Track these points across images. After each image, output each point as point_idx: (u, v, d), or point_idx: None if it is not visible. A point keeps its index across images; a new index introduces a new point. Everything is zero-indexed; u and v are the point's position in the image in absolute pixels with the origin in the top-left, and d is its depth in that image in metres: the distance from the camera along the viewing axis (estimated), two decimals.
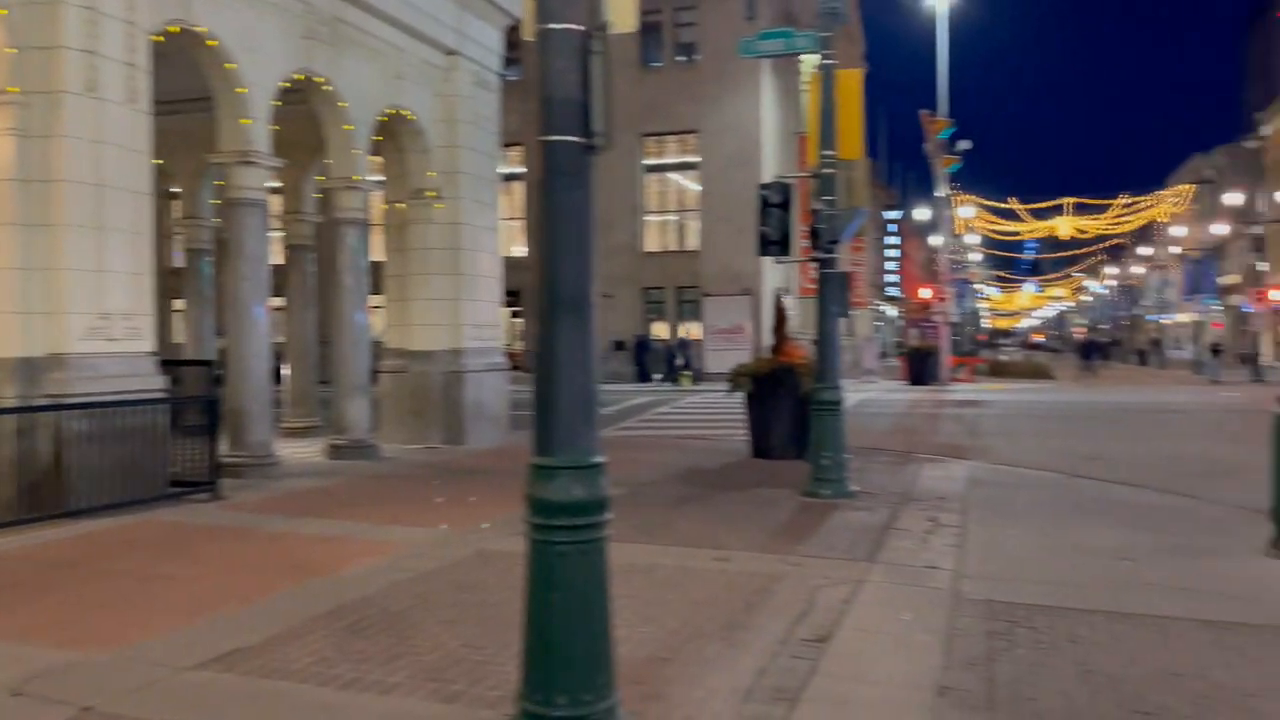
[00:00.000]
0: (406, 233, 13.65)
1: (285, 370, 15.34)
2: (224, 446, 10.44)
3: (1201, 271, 42.91)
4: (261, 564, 6.93)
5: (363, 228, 12.62)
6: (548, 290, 3.63)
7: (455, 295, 13.61)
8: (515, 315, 38.21)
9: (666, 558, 6.99)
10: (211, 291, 15.54)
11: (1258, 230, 35.90)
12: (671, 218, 36.35)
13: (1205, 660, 4.83)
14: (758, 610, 5.66)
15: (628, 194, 35.86)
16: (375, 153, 13.39)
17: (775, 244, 9.75)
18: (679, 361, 32.08)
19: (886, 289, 61.01)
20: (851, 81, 10.03)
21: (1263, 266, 37.50)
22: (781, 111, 37.42)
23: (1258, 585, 6.33)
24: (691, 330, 35.58)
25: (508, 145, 37.96)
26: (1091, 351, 40.68)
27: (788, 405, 12.24)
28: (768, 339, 31.89)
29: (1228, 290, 55.43)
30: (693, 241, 35.48)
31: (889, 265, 60.85)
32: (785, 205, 9.79)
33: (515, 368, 37.75)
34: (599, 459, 3.65)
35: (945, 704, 4.27)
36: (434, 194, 13.48)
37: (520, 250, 37.84)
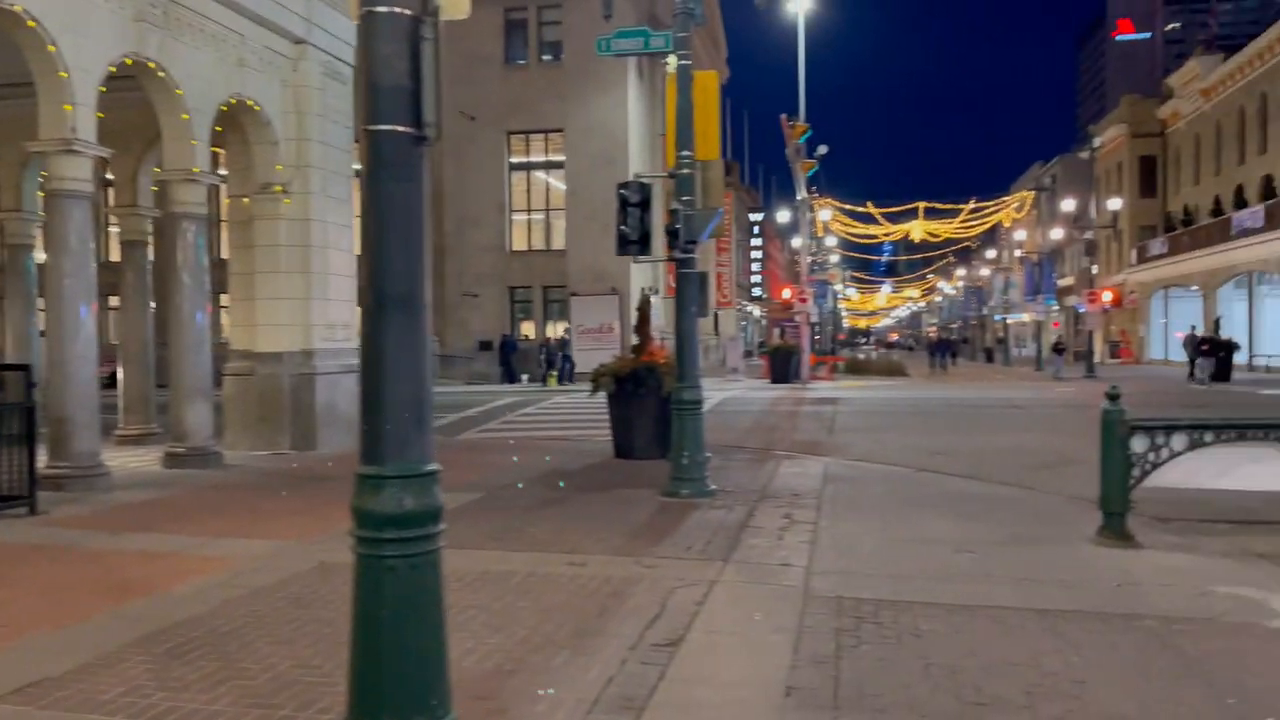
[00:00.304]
0: (253, 229, 12.98)
1: (120, 374, 14.38)
2: (45, 457, 9.68)
3: (1041, 274, 45.50)
4: (78, 584, 6.40)
5: (202, 223, 11.93)
6: (374, 287, 3.42)
7: (306, 294, 13.03)
8: None
9: (520, 564, 6.81)
10: (36, 290, 14.41)
11: (1089, 235, 38.26)
12: (538, 216, 36.05)
13: (1039, 648, 4.99)
14: (610, 615, 5.55)
15: (494, 192, 35.40)
16: (219, 145, 12.69)
17: (634, 243, 9.68)
18: (566, 362, 31.67)
19: (752, 289, 62.28)
20: (709, 83, 10.07)
21: (1095, 269, 39.99)
22: (648, 112, 37.65)
23: (1087, 572, 6.62)
24: (559, 330, 35.37)
25: None
26: (942, 350, 42.48)
27: (650, 405, 12.23)
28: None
29: (1065, 291, 58.99)
30: (560, 241, 35.29)
31: (754, 266, 62.04)
32: (644, 205, 9.73)
33: None
34: (432, 467, 3.45)
35: (791, 704, 4.26)
36: (282, 188, 12.87)
37: None
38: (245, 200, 12.97)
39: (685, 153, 9.61)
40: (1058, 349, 37.23)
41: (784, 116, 27.80)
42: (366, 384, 3.43)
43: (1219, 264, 37.99)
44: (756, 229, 57.73)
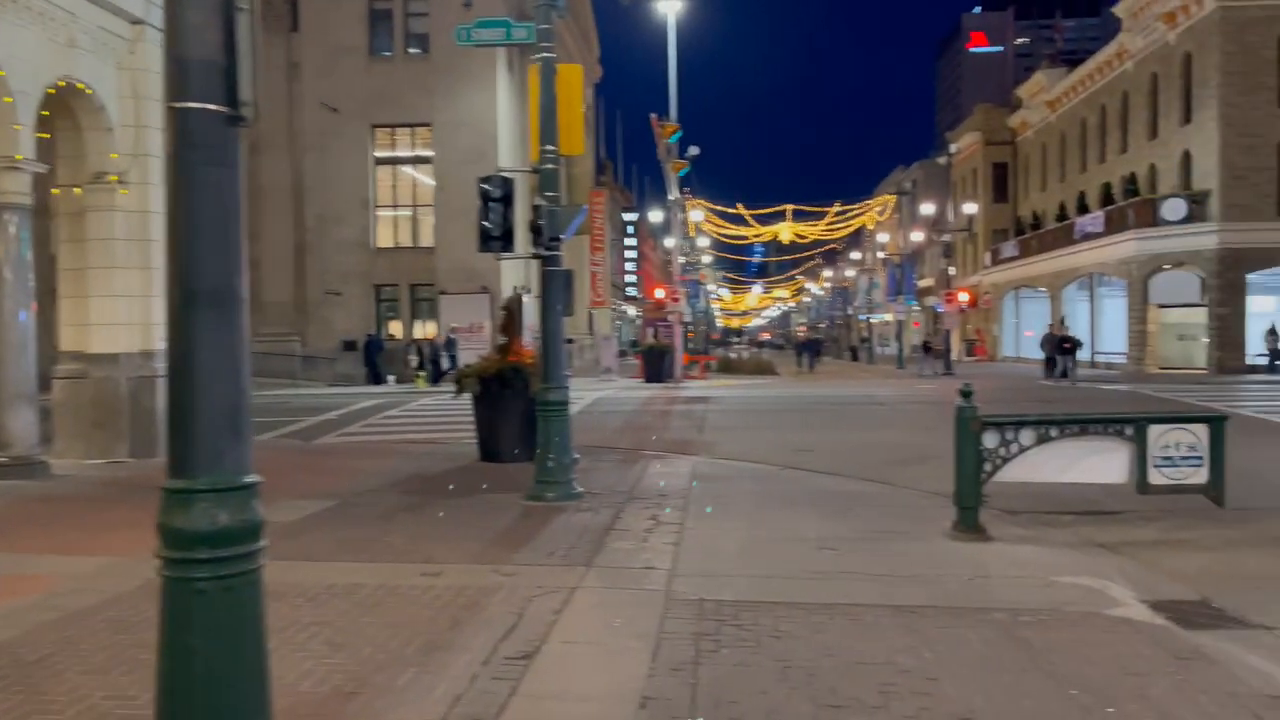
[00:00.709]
0: (85, 221, 12.07)
1: None
2: None
3: (903, 275, 47.17)
4: None
5: (27, 214, 11.00)
6: (183, 282, 3.09)
7: (146, 292, 12.20)
8: None
9: (371, 576, 6.47)
10: None
11: (947, 238, 39.89)
12: (405, 213, 35.13)
13: (894, 646, 5.00)
14: (464, 628, 5.30)
15: (358, 187, 34.30)
16: (47, 130, 11.74)
17: (497, 239, 9.42)
18: (444, 363, 30.62)
19: (626, 289, 62.46)
20: (572, 76, 9.89)
21: (953, 271, 41.71)
22: (519, 108, 37.13)
23: (942, 566, 6.74)
24: (429, 329, 34.57)
25: None
26: (809, 349, 43.43)
27: (517, 406, 11.95)
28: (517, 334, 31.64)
29: (924, 292, 61.41)
30: (428, 238, 34.46)
31: (628, 266, 62.24)
32: (507, 200, 9.48)
33: None
34: (251, 478, 3.15)
35: (647, 716, 4.12)
36: (118, 178, 12.01)
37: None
38: (77, 190, 12.06)
39: (549, 147, 9.40)
40: (926, 348, 38.43)
41: (654, 116, 27.89)
42: (175, 388, 3.10)
43: (1063, 266, 40.20)
44: (630, 229, 57.93)
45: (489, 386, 11.98)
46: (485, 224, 9.44)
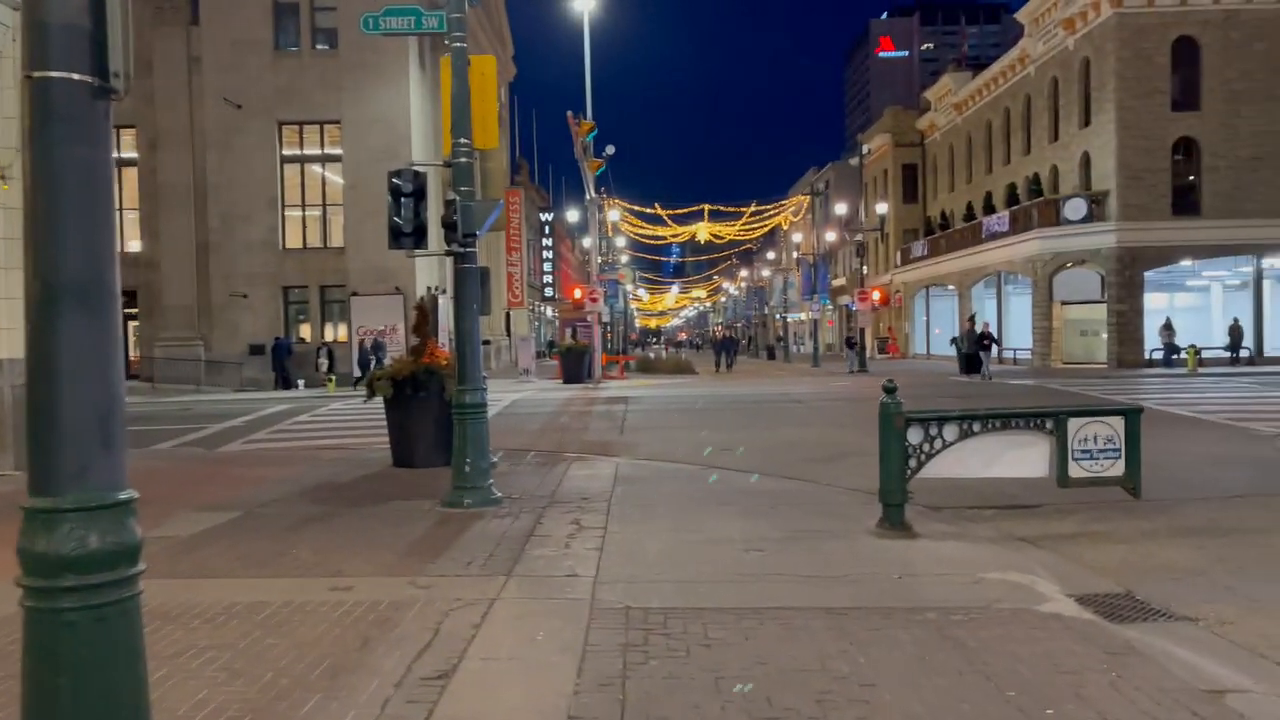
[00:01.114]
0: None
1: None
2: None
3: (817, 274, 47.78)
4: None
5: None
6: (43, 275, 2.73)
7: None
8: (130, 319, 34.04)
9: (276, 592, 6.06)
10: None
11: (860, 238, 40.52)
12: (315, 212, 34.12)
13: (827, 651, 4.85)
14: (375, 647, 4.97)
15: (265, 186, 33.20)
16: None
17: (408, 236, 9.04)
18: (373, 365, 29.61)
19: (544, 289, 61.91)
20: (486, 67, 9.57)
21: (866, 270, 42.39)
22: (432, 105, 36.42)
23: (869, 565, 6.64)
24: (340, 332, 33.65)
25: (119, 127, 33.90)
26: (727, 347, 43.55)
27: (431, 410, 11.56)
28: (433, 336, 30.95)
29: (838, 291, 62.41)
30: (338, 238, 33.54)
31: (546, 266, 61.74)
32: (418, 195, 9.11)
33: (132, 376, 33.68)
34: (125, 494, 2.80)
35: None
36: (1, 174, 11.24)
37: (135, 245, 33.78)
38: None
39: (462, 140, 9.07)
40: (850, 343, 37.95)
41: (570, 114, 27.58)
42: (35, 394, 2.74)
43: (972, 265, 41.21)
44: (547, 229, 57.44)
45: (402, 390, 11.56)
46: (396, 220, 9.06)
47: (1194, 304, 34.73)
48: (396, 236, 9.11)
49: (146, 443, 15.73)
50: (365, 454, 13.34)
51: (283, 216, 33.69)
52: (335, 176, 33.74)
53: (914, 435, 7.73)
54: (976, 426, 7.80)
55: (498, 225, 9.15)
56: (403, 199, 9.06)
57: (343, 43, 32.95)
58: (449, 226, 8.80)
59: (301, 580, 6.41)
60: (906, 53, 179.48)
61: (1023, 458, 7.92)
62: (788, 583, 6.22)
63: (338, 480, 10.97)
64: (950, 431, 7.77)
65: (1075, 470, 7.82)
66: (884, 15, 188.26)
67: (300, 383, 31.46)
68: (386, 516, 8.72)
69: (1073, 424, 7.82)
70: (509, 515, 8.62)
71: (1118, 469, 7.87)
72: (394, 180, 9.11)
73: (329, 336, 33.86)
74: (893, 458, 7.68)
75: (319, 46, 33.55)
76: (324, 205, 33.96)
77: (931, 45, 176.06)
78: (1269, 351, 32.49)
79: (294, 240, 33.93)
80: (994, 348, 30.14)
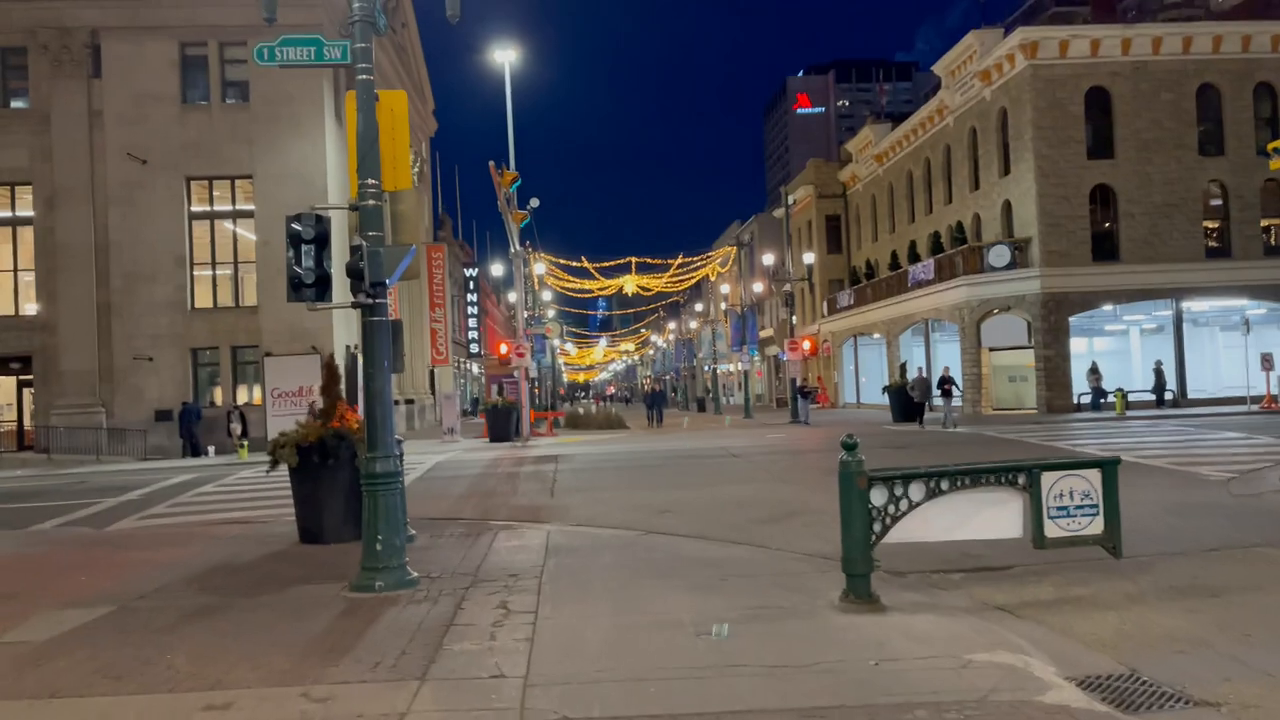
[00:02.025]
0: None
1: None
2: None
3: (746, 325, 47.61)
4: None
5: None
6: None
7: None
8: (25, 386, 31.96)
9: (134, 712, 4.98)
10: None
11: (788, 288, 40.40)
12: (225, 270, 32.62)
13: None
14: None
15: (172, 243, 31.66)
16: None
17: (310, 287, 8.09)
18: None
19: (470, 345, 60.63)
20: (396, 103, 8.73)
21: (795, 319, 42.24)
22: (349, 159, 35.41)
23: (842, 649, 5.82)
24: (255, 394, 32.01)
25: (14, 184, 32.12)
26: (655, 401, 42.40)
27: (341, 479, 10.50)
28: (344, 397, 29.52)
29: (766, 342, 62.45)
30: (251, 296, 32.06)
31: (471, 322, 60.56)
32: (321, 241, 8.18)
33: (26, 448, 31.48)
34: None
35: None
36: None
37: (31, 308, 31.83)
38: None
39: (370, 181, 8.19)
40: (804, 393, 35.57)
41: (492, 163, 26.86)
42: None
43: (899, 313, 41.37)
44: (472, 284, 56.37)
45: (308, 457, 10.48)
46: (296, 270, 8.11)
47: (1114, 348, 35.19)
48: (297, 288, 8.16)
49: (27, 522, 14.24)
50: (272, 528, 12.14)
51: (191, 275, 32.13)
52: (247, 233, 32.37)
53: (877, 496, 6.99)
54: (945, 484, 7.08)
55: (411, 273, 8.25)
56: (303, 246, 8.13)
57: (254, 95, 31.85)
58: (355, 275, 7.88)
59: (170, 698, 5.32)
60: (823, 109, 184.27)
61: (995, 517, 7.22)
62: (751, 676, 5.35)
63: (235, 562, 9.80)
64: (916, 491, 7.05)
65: (1052, 529, 7.15)
66: (800, 73, 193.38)
67: (210, 450, 29.73)
68: (285, 606, 7.63)
69: (1047, 479, 7.16)
70: (426, 599, 7.61)
71: (1096, 526, 7.22)
72: (293, 226, 8.19)
73: (241, 399, 32.20)
74: (855, 522, 6.91)
75: (229, 100, 32.36)
76: (235, 263, 32.50)
77: (847, 102, 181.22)
78: (1192, 394, 32.97)
79: (203, 299, 32.34)
80: (955, 392, 28.66)
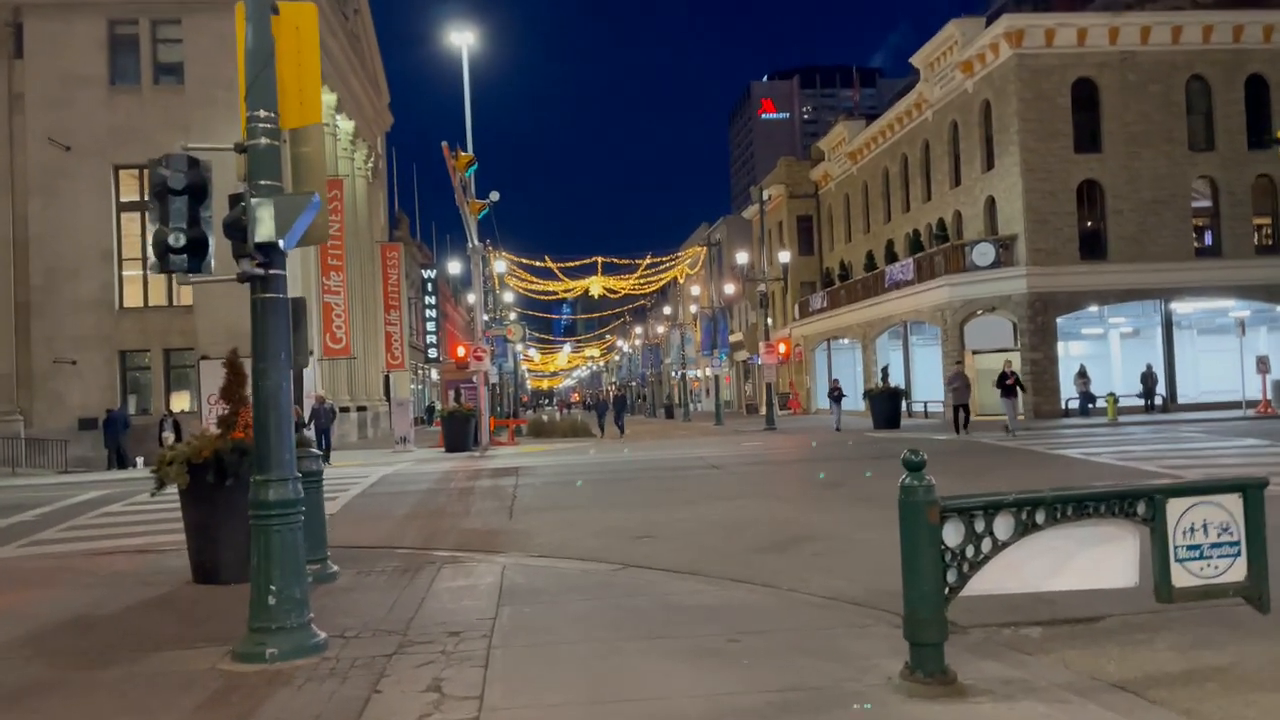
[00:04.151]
0: None
1: None
2: None
3: (716, 329, 45.86)
4: None
5: None
6: None
7: None
8: None
9: None
10: None
11: (762, 289, 38.66)
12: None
13: None
14: None
15: (98, 237, 29.26)
16: None
17: (179, 253, 6.05)
18: (324, 436, 24.94)
19: (428, 350, 58.23)
20: (304, 21, 6.70)
21: (770, 321, 40.52)
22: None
23: None
24: (188, 401, 29.60)
25: None
26: (617, 407, 39.87)
27: (243, 503, 8.21)
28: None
29: (735, 346, 60.72)
30: (186, 295, 29.66)
31: (429, 325, 58.17)
32: (197, 193, 6.16)
33: None
34: None
35: None
36: None
37: None
38: None
39: (262, 113, 6.17)
40: (835, 395, 31.20)
41: (445, 144, 24.73)
42: None
43: (876, 316, 39.77)
44: (430, 286, 54.04)
45: (201, 477, 8.40)
46: (163, 230, 6.06)
47: (1094, 352, 33.77)
48: (163, 255, 6.11)
49: None
50: (166, 561, 10.01)
51: (120, 271, 29.73)
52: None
53: (952, 534, 5.08)
54: (1040, 516, 5.19)
55: (315, 236, 6.24)
56: (172, 198, 6.09)
57: (189, 78, 29.55)
58: (236, 233, 5.85)
59: None
60: (788, 115, 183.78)
61: (1103, 561, 5.34)
62: None
63: (99, 612, 7.69)
64: (1003, 526, 5.14)
65: (1181, 576, 5.27)
66: (765, 78, 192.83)
67: (139, 461, 27.23)
68: (135, 687, 5.56)
69: (1174, 507, 5.29)
70: (333, 675, 5.59)
71: (1238, 571, 5.34)
72: (160, 172, 6.14)
73: (176, 407, 29.76)
74: (924, 570, 5.00)
75: (162, 81, 29.99)
76: None
77: (811, 108, 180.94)
78: (1182, 398, 31.63)
79: (133, 298, 29.93)
80: (1019, 392, 24.62)
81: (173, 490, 8.78)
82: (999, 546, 5.16)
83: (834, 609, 6.89)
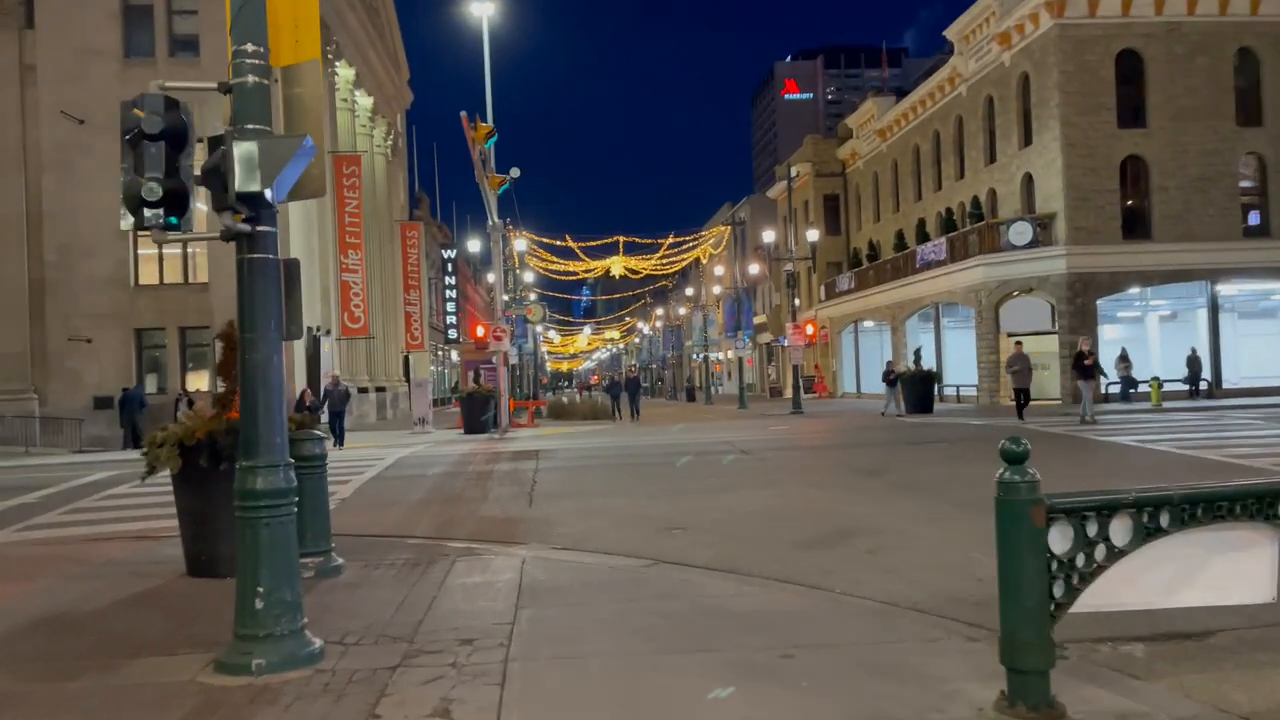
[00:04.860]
0: None
1: None
2: None
3: (741, 309, 44.93)
4: None
5: None
6: None
7: None
8: None
9: None
10: None
11: (790, 268, 37.64)
12: (174, 244, 29.61)
13: None
14: None
15: (114, 214, 28.39)
16: None
17: (155, 206, 5.30)
18: (337, 420, 24.06)
19: (448, 331, 57.64)
20: None
21: (798, 302, 39.55)
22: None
23: None
24: (205, 380, 29.07)
25: None
26: (630, 389, 37.77)
27: None
28: (308, 385, 26.67)
29: (758, 329, 59.75)
30: (202, 272, 29.13)
31: (449, 306, 57.56)
32: (175, 140, 5.38)
33: None
34: None
35: None
36: None
37: None
38: None
39: (249, 47, 5.40)
40: (890, 379, 29.50)
41: (464, 114, 23.87)
42: None
43: (906, 297, 38.72)
44: (450, 266, 53.35)
45: (194, 460, 7.70)
46: (135, 181, 5.30)
47: (1132, 335, 32.57)
48: (136, 208, 5.35)
49: None
50: (163, 550, 9.33)
51: (135, 249, 29.15)
52: (200, 203, 29.30)
53: (1058, 540, 4.25)
54: (1164, 518, 4.35)
55: (311, 188, 5.48)
56: (147, 145, 5.32)
57: (205, 51, 28.88)
58: (216, 182, 5.08)
59: None
60: (811, 95, 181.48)
61: (1234, 571, 4.50)
62: None
63: (81, 609, 7.00)
64: (1120, 530, 4.31)
65: None
66: (789, 58, 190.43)
67: None
68: (105, 704, 4.84)
69: None
70: (327, 691, 4.85)
71: None
72: (133, 113, 5.38)
73: (192, 386, 29.27)
74: (1028, 583, 4.18)
75: (178, 55, 29.31)
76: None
77: (835, 89, 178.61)
78: (1227, 383, 30.47)
79: (149, 276, 29.39)
80: (1098, 375, 22.50)
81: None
82: (1114, 554, 4.33)
83: (897, 617, 6.07)
